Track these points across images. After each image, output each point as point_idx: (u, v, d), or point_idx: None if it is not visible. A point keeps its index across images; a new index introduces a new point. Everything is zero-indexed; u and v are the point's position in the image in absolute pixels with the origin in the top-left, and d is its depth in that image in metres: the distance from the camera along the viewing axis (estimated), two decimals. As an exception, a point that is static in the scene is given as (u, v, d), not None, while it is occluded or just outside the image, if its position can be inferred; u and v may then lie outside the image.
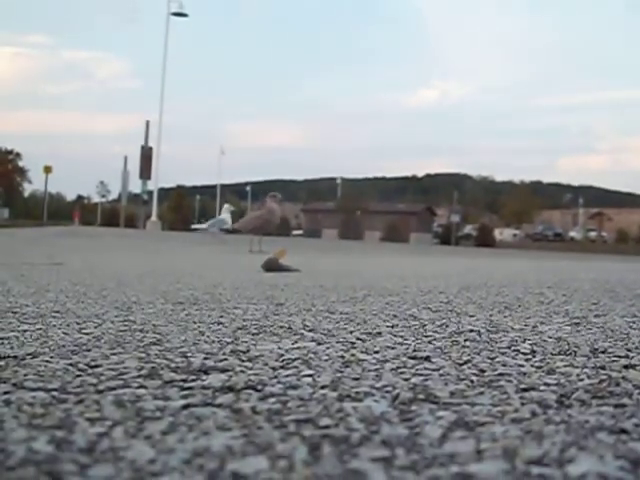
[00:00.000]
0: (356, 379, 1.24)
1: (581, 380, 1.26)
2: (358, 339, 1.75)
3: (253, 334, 1.81)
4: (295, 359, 1.43)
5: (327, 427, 0.93)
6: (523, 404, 1.07)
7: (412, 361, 1.44)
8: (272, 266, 5.10)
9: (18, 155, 68.16)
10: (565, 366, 1.40)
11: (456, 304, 2.77)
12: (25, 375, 1.22)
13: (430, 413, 1.01)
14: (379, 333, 1.87)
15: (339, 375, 1.28)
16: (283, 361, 1.41)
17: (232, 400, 1.07)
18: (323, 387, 1.17)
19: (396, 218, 53.98)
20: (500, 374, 1.31)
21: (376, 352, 1.55)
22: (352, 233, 48.31)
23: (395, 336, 1.81)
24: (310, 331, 1.89)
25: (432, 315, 2.35)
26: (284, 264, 5.19)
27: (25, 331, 1.77)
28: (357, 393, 1.13)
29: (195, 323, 2.02)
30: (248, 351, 1.53)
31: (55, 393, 1.10)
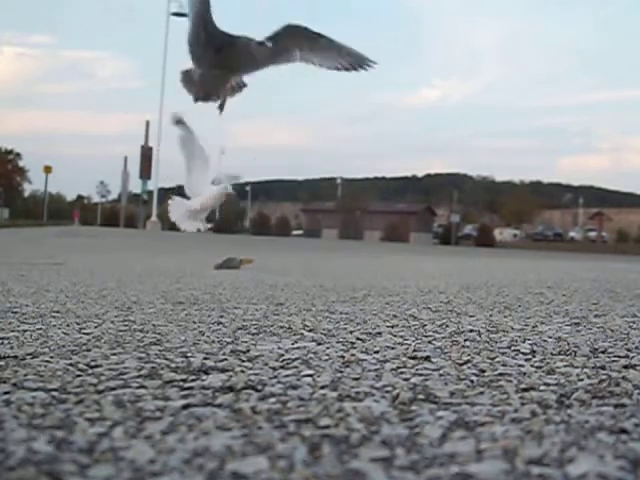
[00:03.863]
0: (356, 379, 1.24)
1: (581, 380, 1.26)
2: (358, 339, 1.75)
3: (253, 334, 1.81)
4: (295, 359, 1.43)
5: (327, 427, 0.93)
6: (523, 404, 1.08)
7: (412, 361, 1.44)
8: (226, 264, 5.55)
9: (18, 155, 68.07)
10: (565, 366, 1.40)
11: (456, 304, 2.77)
12: (25, 375, 1.22)
13: (430, 413, 1.01)
14: (379, 333, 1.87)
15: (339, 375, 1.28)
16: (283, 361, 1.41)
17: (232, 400, 1.07)
18: (323, 387, 1.17)
19: (396, 218, 53.88)
20: (500, 374, 1.31)
21: (376, 352, 1.55)
22: (352, 233, 48.26)
23: (395, 336, 1.81)
24: (310, 331, 1.89)
25: (432, 315, 2.35)
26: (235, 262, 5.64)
27: (25, 331, 1.77)
28: (357, 393, 1.13)
29: (195, 323, 2.02)
30: (248, 351, 1.53)
31: (55, 393, 1.10)
